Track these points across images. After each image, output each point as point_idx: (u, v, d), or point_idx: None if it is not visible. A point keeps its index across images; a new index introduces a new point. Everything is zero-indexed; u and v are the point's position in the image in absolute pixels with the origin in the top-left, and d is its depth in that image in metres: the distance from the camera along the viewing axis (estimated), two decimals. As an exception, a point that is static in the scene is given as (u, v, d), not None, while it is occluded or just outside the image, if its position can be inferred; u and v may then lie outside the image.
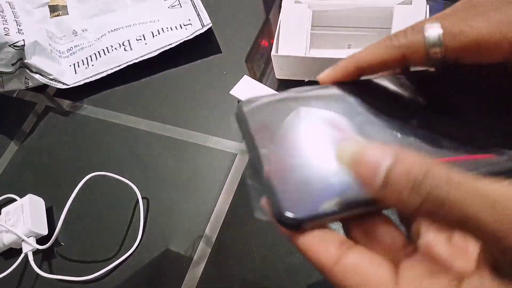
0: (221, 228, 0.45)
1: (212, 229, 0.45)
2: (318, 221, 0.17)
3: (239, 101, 0.22)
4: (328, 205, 0.17)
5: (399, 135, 0.20)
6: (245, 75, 0.51)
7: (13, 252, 0.46)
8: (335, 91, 0.23)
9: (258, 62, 0.55)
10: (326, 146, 0.19)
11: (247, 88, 0.50)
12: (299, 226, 0.17)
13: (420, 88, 0.23)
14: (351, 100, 0.22)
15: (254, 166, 0.19)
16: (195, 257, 0.43)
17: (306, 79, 0.51)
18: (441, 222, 0.14)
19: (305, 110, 0.21)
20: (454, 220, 0.14)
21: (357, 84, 0.23)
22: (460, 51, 0.20)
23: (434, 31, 0.20)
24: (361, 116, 0.21)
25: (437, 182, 0.14)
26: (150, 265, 0.44)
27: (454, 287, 0.14)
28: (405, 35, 0.21)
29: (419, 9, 0.46)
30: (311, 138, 0.20)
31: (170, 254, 0.44)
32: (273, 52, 0.48)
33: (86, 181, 0.46)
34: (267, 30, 0.58)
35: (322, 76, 0.24)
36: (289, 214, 0.17)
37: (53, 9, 0.62)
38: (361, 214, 0.18)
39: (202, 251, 0.44)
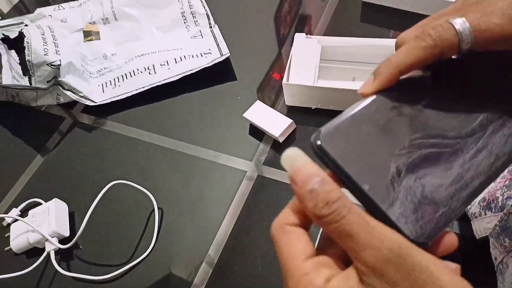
0: (223, 250, 0.48)
1: (215, 250, 0.48)
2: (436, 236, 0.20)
3: (313, 141, 0.21)
4: (444, 219, 0.20)
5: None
6: (258, 100, 0.56)
7: (35, 251, 0.50)
8: (381, 99, 0.23)
9: (269, 92, 0.60)
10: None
11: (259, 112, 0.55)
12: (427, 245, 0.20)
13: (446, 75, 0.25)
14: (402, 103, 0.23)
15: (362, 200, 0.20)
16: (196, 279, 0.47)
17: (313, 107, 0.55)
18: (331, 233, 0.20)
19: (374, 126, 0.22)
20: (340, 235, 0.19)
21: (394, 89, 0.24)
22: (487, 45, 0.23)
23: (464, 29, 0.23)
24: (421, 115, 0.23)
25: (341, 208, 0.19)
26: (160, 271, 0.48)
27: (326, 279, 0.20)
28: (438, 33, 0.23)
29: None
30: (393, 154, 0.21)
31: (177, 264, 0.48)
32: (284, 81, 0.53)
33: (108, 188, 0.50)
34: (279, 64, 0.63)
35: (364, 90, 0.24)
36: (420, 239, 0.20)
37: (87, 34, 0.68)
38: None
39: (205, 272, 0.47)
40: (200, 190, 0.53)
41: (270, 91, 0.61)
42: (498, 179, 0.39)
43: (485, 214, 0.39)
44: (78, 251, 0.50)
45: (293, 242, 0.21)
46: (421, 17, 0.26)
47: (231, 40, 0.65)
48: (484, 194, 0.40)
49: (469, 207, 0.42)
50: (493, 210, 0.38)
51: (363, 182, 0.20)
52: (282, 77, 0.58)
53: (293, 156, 0.21)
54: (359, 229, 0.19)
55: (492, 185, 0.40)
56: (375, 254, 0.18)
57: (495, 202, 0.38)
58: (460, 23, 0.23)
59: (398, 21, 0.63)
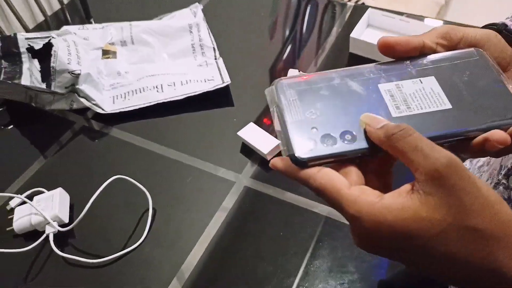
0: (205, 251, 0.54)
1: (197, 250, 0.54)
2: (318, 161, 0.27)
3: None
4: (327, 150, 0.27)
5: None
6: (251, 122, 0.63)
7: (34, 235, 0.54)
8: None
9: (263, 126, 0.68)
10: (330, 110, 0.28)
11: (251, 132, 0.62)
12: (305, 163, 0.27)
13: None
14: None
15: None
16: (178, 272, 0.52)
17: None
18: (399, 149, 0.25)
19: (323, 83, 0.30)
20: (408, 148, 0.24)
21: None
22: None
23: None
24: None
25: (408, 129, 0.25)
26: (146, 263, 0.52)
27: (377, 196, 0.25)
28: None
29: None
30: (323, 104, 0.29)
31: (162, 259, 0.53)
32: (276, 107, 0.61)
33: (109, 183, 0.55)
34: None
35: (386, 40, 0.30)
36: (299, 155, 0.27)
37: (105, 52, 0.76)
38: (349, 159, 0.27)
39: (187, 269, 0.52)
40: (191, 196, 0.59)
41: (263, 126, 0.68)
42: None
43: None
44: (73, 239, 0.55)
45: (333, 177, 0.26)
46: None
47: (233, 71, 0.74)
48: None
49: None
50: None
51: None
52: (272, 122, 0.65)
53: (367, 115, 0.28)
54: (423, 144, 0.24)
55: None
56: (437, 162, 0.23)
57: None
58: None
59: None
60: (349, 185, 0.26)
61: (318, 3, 0.91)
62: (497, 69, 0.30)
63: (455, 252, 0.22)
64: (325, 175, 0.26)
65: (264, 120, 0.69)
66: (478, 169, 0.46)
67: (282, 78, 0.31)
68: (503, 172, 0.35)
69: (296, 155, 0.27)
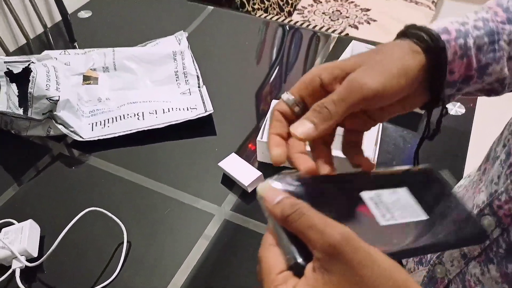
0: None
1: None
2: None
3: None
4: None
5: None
6: (233, 153, 0.62)
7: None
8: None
9: (245, 155, 0.67)
10: None
11: (233, 163, 0.61)
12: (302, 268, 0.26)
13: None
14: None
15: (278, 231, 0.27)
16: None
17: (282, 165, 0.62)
18: (296, 229, 0.26)
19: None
20: (303, 228, 0.25)
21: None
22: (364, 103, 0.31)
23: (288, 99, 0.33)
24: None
25: (302, 208, 0.26)
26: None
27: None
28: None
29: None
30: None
31: (141, 291, 0.50)
32: (258, 138, 0.60)
33: (82, 215, 0.53)
34: (255, 133, 0.70)
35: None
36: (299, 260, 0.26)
37: (86, 78, 0.75)
38: None
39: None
40: (169, 229, 0.57)
41: (246, 153, 0.67)
42: None
43: (418, 269, 0.44)
44: (42, 275, 0.52)
45: (272, 258, 0.27)
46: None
47: (216, 100, 0.73)
48: None
49: (404, 262, 0.48)
50: (423, 265, 0.43)
51: None
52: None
53: (266, 185, 0.29)
54: (316, 222, 0.25)
55: None
56: (331, 238, 0.24)
57: (425, 257, 0.44)
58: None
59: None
60: (282, 269, 0.26)
61: (303, 34, 0.92)
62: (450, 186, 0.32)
63: None
64: (270, 252, 0.27)
65: (249, 145, 0.68)
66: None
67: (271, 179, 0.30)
68: (475, 212, 0.35)
69: (301, 264, 0.26)
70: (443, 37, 0.31)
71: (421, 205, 0.30)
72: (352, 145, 0.34)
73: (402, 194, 0.30)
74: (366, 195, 0.30)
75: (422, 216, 0.29)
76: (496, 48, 0.32)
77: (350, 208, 0.29)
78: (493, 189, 0.34)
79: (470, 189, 0.41)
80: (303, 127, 0.30)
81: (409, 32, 0.32)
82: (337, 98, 0.30)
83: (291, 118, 0.32)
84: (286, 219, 0.26)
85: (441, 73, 0.31)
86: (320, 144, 0.33)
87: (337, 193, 0.31)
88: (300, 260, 0.26)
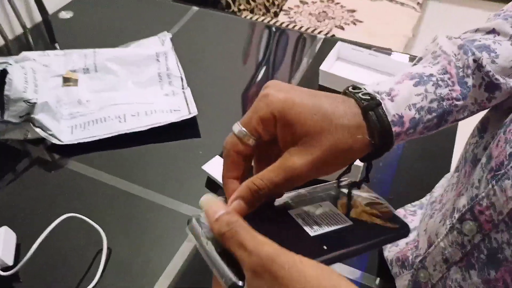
0: None
1: None
2: None
3: (188, 221, 0.30)
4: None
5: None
6: (217, 155, 0.61)
7: (-28, 279, 0.49)
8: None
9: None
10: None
11: (217, 166, 0.60)
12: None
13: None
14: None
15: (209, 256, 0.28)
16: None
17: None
18: (230, 246, 0.26)
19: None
20: (234, 245, 0.25)
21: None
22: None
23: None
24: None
25: (236, 226, 0.26)
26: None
27: None
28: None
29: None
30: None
31: (122, 299, 0.49)
32: (242, 140, 0.59)
33: (60, 221, 0.51)
34: None
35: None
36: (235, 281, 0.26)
37: (66, 80, 0.73)
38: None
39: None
40: (151, 234, 0.55)
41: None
42: (407, 240, 0.45)
43: (403, 272, 0.43)
44: (17, 284, 0.50)
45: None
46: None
47: (200, 101, 0.72)
48: (397, 254, 0.45)
49: (391, 267, 0.47)
50: (407, 268, 0.43)
51: None
52: None
53: (207, 199, 0.28)
54: (246, 241, 0.25)
55: (403, 245, 0.46)
56: (258, 258, 0.24)
57: (407, 261, 0.43)
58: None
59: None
60: None
61: (289, 35, 0.91)
62: (375, 196, 0.35)
63: None
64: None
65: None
66: (430, 205, 0.46)
67: (195, 215, 0.30)
68: (456, 216, 0.35)
69: (237, 283, 0.26)
70: (396, 129, 0.31)
71: (345, 214, 0.32)
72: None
73: (327, 207, 0.33)
74: (293, 212, 0.32)
75: (348, 222, 0.31)
76: (441, 125, 0.34)
77: (283, 223, 0.31)
78: (474, 193, 0.33)
79: (450, 191, 0.41)
80: (235, 204, 0.30)
81: (365, 106, 0.31)
82: (270, 182, 0.29)
83: (245, 153, 0.31)
84: (223, 236, 0.26)
85: (383, 147, 0.32)
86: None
87: (270, 210, 0.32)
88: (235, 279, 0.26)
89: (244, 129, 0.30)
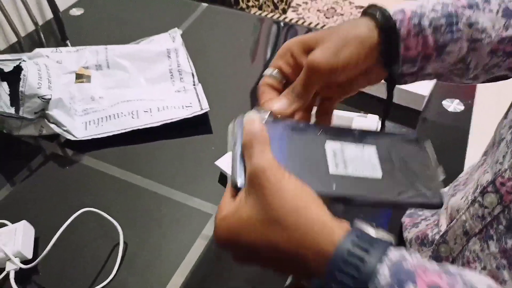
0: None
1: None
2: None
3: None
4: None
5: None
6: (230, 151, 0.61)
7: (-8, 272, 0.50)
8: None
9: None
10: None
11: (229, 161, 0.60)
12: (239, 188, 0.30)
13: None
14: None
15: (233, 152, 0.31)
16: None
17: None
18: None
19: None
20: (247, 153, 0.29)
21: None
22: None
23: None
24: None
25: (249, 144, 0.29)
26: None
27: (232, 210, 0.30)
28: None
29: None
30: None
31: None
32: (255, 136, 0.59)
33: (77, 216, 0.52)
34: None
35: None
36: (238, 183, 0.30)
37: (79, 76, 0.74)
38: None
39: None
40: (166, 229, 0.56)
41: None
42: (427, 222, 0.46)
43: (422, 250, 0.44)
44: (37, 277, 0.51)
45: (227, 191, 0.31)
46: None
47: (212, 97, 0.72)
48: (417, 233, 0.46)
49: (409, 246, 0.48)
50: (427, 246, 0.44)
51: None
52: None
53: (251, 113, 0.32)
54: (256, 152, 0.29)
55: (423, 226, 0.46)
56: (253, 166, 0.28)
57: (427, 238, 0.44)
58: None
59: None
60: (230, 197, 0.30)
61: (298, 31, 0.91)
62: (435, 160, 0.34)
63: (269, 240, 0.27)
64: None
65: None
66: (453, 187, 0.48)
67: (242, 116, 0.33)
68: (478, 190, 0.36)
69: (238, 185, 0.30)
70: (398, 16, 0.34)
71: (384, 165, 0.32)
72: (324, 112, 0.38)
73: (368, 152, 0.32)
74: (329, 145, 0.32)
75: (377, 174, 0.31)
76: (453, 29, 0.34)
77: (312, 152, 0.32)
78: (498, 168, 0.35)
79: (475, 173, 0.42)
80: (279, 103, 0.35)
81: (368, 11, 0.35)
82: (301, 82, 0.34)
83: (277, 88, 0.36)
84: (243, 145, 0.30)
85: (392, 48, 0.34)
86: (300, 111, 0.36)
87: (304, 138, 0.33)
88: (238, 180, 0.29)
89: (274, 70, 0.36)
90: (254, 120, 0.31)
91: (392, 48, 0.34)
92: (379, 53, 0.34)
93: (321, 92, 0.37)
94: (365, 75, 0.36)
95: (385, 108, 0.39)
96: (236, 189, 0.30)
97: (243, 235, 0.28)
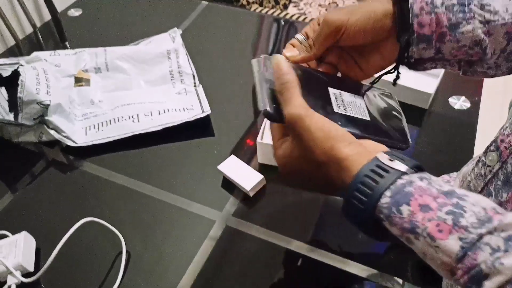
0: None
1: None
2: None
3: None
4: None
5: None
6: (232, 155, 0.60)
7: (-7, 284, 0.49)
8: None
9: (244, 151, 0.65)
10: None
11: (232, 166, 0.59)
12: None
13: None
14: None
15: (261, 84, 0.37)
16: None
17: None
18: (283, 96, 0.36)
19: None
20: (284, 99, 0.36)
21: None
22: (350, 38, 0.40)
23: None
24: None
25: (285, 88, 0.35)
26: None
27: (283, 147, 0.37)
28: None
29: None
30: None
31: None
32: (258, 139, 0.58)
33: (79, 226, 0.51)
34: (254, 130, 0.68)
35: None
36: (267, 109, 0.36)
37: (78, 80, 0.72)
38: None
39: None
40: (169, 237, 0.55)
41: (245, 150, 0.65)
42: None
43: None
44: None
45: (276, 129, 0.38)
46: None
47: (213, 99, 0.71)
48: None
49: None
50: None
51: None
52: (255, 141, 0.62)
53: (280, 56, 0.38)
54: (292, 98, 0.34)
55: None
56: (292, 114, 0.34)
57: None
58: None
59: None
60: (280, 138, 0.37)
61: (298, 28, 0.89)
62: (398, 109, 0.43)
63: (310, 171, 0.35)
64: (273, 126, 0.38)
65: (247, 140, 0.66)
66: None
67: (264, 56, 0.40)
68: (483, 151, 0.39)
69: (267, 109, 0.36)
70: None
71: (369, 112, 0.40)
72: None
73: (358, 100, 0.41)
74: (331, 90, 0.40)
75: (367, 117, 0.40)
76: (465, 10, 0.36)
77: (320, 93, 0.39)
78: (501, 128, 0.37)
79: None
80: (292, 52, 0.41)
81: None
82: (313, 34, 0.40)
83: (299, 48, 0.42)
84: (280, 86, 0.35)
85: (405, 21, 0.37)
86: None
87: (315, 82, 0.41)
88: (268, 107, 0.35)
89: (301, 36, 0.42)
90: (282, 64, 0.36)
91: (405, 20, 0.37)
92: (392, 21, 0.37)
93: (342, 69, 0.43)
94: (377, 49, 0.40)
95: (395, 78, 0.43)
96: (268, 117, 0.36)
97: (297, 166, 0.35)
